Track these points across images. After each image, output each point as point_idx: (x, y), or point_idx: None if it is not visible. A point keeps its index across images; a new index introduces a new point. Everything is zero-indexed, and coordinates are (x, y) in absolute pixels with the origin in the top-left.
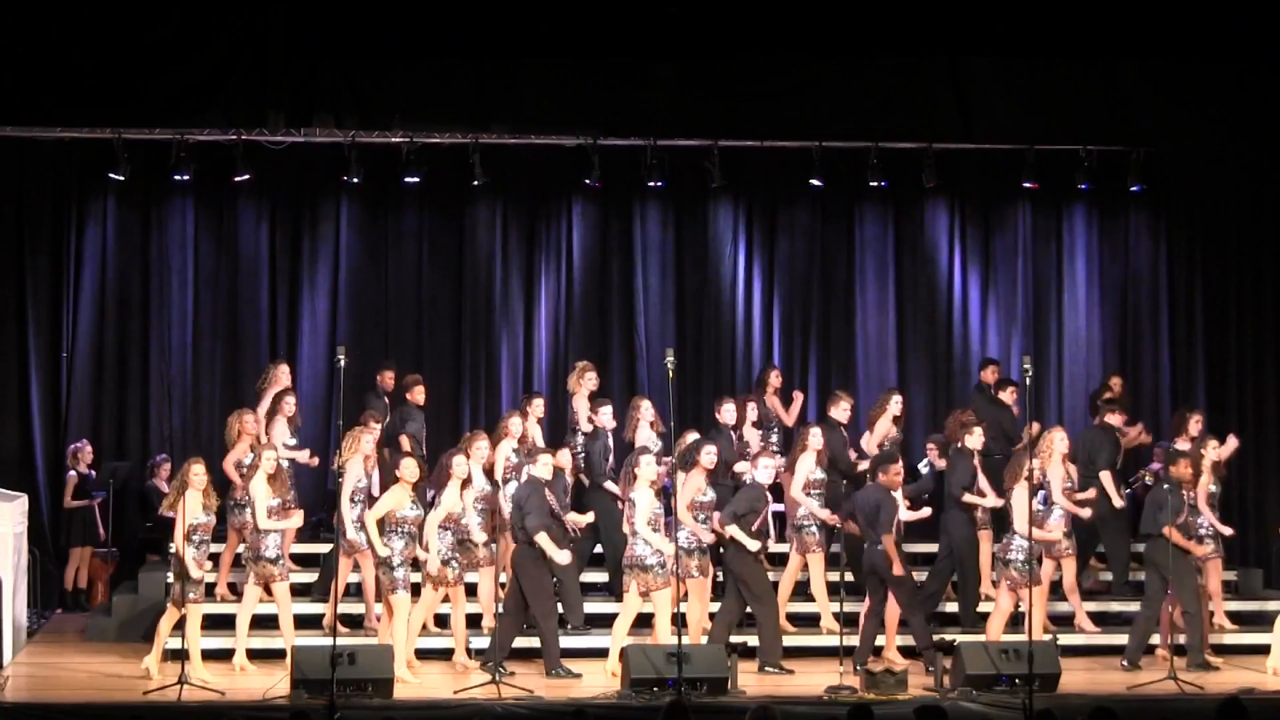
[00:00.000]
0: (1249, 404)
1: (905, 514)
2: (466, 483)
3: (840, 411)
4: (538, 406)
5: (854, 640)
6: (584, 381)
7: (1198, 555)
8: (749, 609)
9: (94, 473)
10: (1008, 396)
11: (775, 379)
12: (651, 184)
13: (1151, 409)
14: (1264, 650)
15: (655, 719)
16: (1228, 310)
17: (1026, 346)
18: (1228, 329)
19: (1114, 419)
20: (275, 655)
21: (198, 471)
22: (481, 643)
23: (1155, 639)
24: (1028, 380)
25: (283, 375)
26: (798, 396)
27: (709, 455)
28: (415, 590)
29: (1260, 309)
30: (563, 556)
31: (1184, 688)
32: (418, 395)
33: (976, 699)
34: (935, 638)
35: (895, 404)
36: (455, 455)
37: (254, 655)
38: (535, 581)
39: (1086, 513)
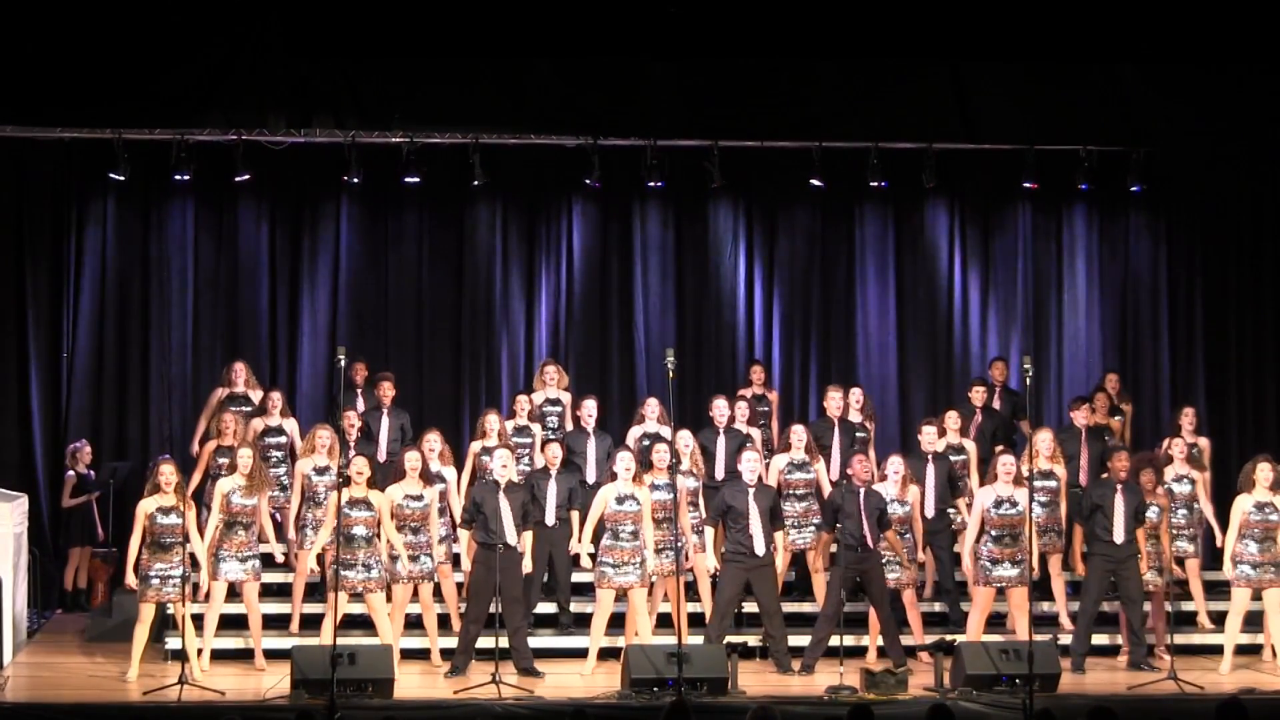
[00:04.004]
0: (1249, 404)
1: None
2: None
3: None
4: (521, 402)
5: (853, 640)
6: (544, 378)
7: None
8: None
9: (93, 473)
10: (977, 398)
11: (757, 374)
12: (651, 184)
13: (1152, 409)
14: (1258, 650)
15: (655, 719)
16: (1228, 310)
17: (1026, 346)
18: (1228, 329)
19: (1079, 416)
20: (277, 655)
21: (164, 471)
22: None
23: (1151, 639)
24: (1027, 380)
25: (236, 377)
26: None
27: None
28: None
29: (1260, 309)
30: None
31: (1184, 688)
32: (385, 392)
33: (976, 699)
34: (934, 638)
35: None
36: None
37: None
38: (475, 581)
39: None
